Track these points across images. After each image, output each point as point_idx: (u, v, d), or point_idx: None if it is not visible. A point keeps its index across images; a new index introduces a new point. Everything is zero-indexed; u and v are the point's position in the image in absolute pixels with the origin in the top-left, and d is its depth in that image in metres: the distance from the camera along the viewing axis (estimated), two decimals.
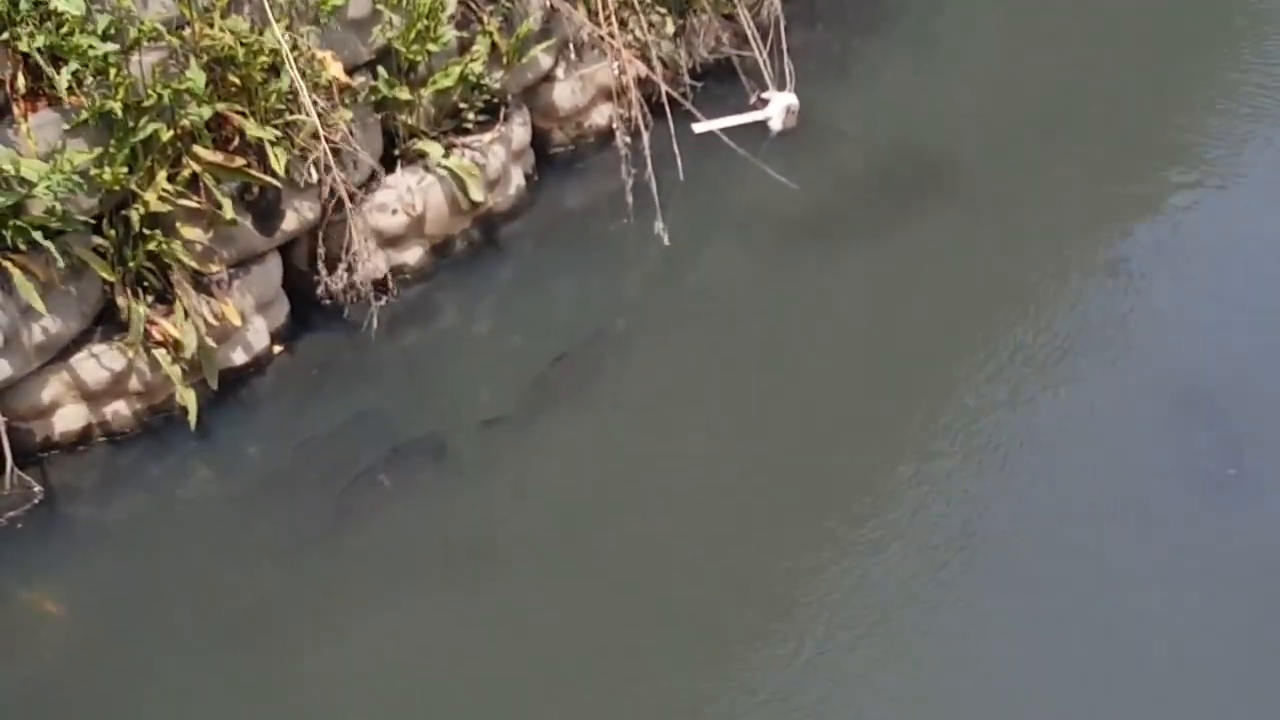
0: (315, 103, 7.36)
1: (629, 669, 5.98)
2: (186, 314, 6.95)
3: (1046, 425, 7.04)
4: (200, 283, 7.13)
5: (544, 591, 6.29)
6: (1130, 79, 10.10)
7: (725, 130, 8.86)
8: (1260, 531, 6.48)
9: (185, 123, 6.87)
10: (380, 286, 7.90)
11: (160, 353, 6.90)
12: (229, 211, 7.03)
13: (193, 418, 6.98)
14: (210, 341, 7.09)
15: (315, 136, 7.38)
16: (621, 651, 6.05)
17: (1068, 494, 6.67)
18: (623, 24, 9.01)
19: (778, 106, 9.26)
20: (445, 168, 8.01)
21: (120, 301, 6.90)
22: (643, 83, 8.91)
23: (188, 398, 6.97)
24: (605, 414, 7.24)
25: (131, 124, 6.69)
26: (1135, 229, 8.53)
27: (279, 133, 7.24)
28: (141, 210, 6.80)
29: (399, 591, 6.32)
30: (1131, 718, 5.78)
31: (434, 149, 8.03)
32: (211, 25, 6.99)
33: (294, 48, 7.30)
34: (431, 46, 8.03)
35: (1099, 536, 6.48)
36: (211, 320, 7.11)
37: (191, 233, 7.00)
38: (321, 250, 7.76)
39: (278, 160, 7.19)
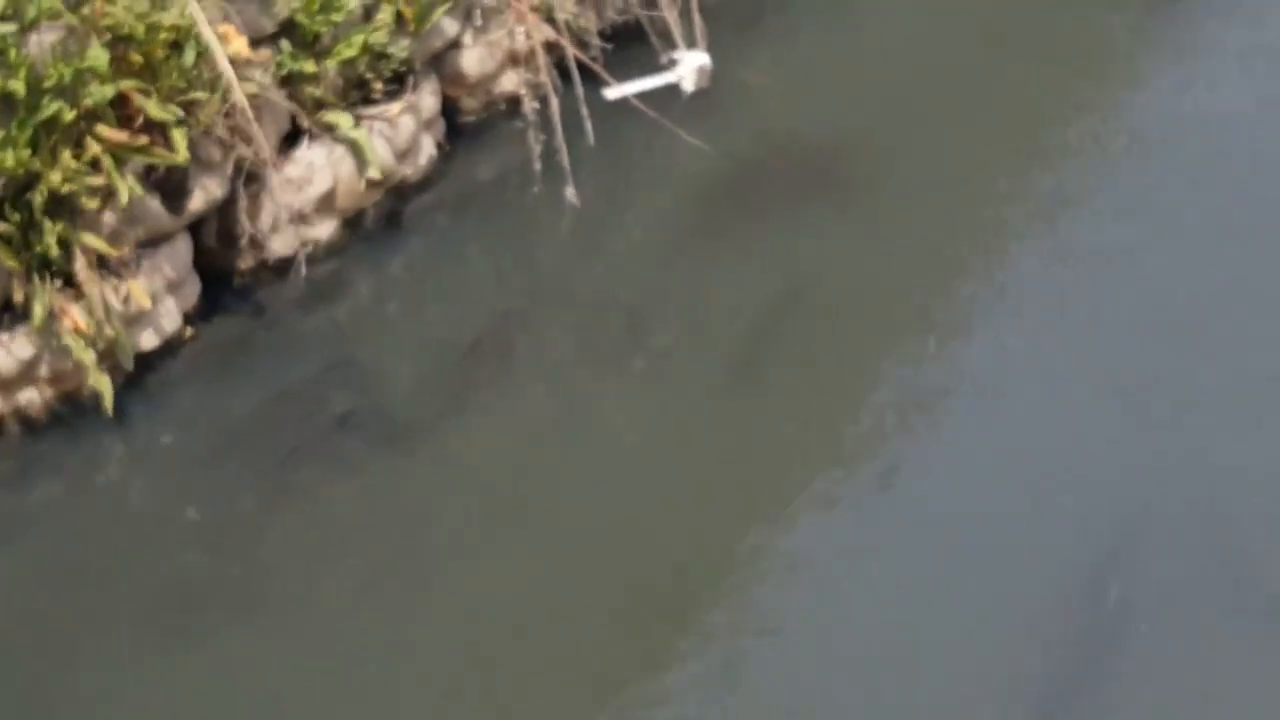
0: (221, 77, 7.25)
1: (580, 647, 5.96)
2: (92, 299, 6.82)
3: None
4: (108, 265, 6.99)
5: (482, 569, 6.25)
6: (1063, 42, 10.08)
7: (639, 94, 8.81)
8: None
9: (88, 102, 6.73)
10: (291, 263, 7.81)
11: (71, 339, 6.76)
12: (125, 194, 6.86)
13: (108, 404, 6.85)
14: (120, 325, 6.96)
15: (223, 113, 7.27)
16: (572, 628, 6.03)
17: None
18: None
19: (689, 66, 9.19)
20: (350, 140, 7.89)
21: (23, 290, 6.75)
22: (551, 47, 8.83)
23: (101, 384, 6.83)
24: (524, 394, 7.19)
25: (33, 105, 6.55)
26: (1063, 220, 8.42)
27: (182, 111, 7.10)
28: (44, 193, 6.66)
29: (329, 575, 6.26)
30: None
31: (344, 120, 7.91)
32: (112, 2, 6.84)
33: (194, 23, 7.18)
34: (335, 16, 7.89)
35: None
36: (120, 303, 6.99)
37: (96, 214, 6.85)
38: (230, 227, 7.66)
39: (179, 141, 7.05)
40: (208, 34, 7.14)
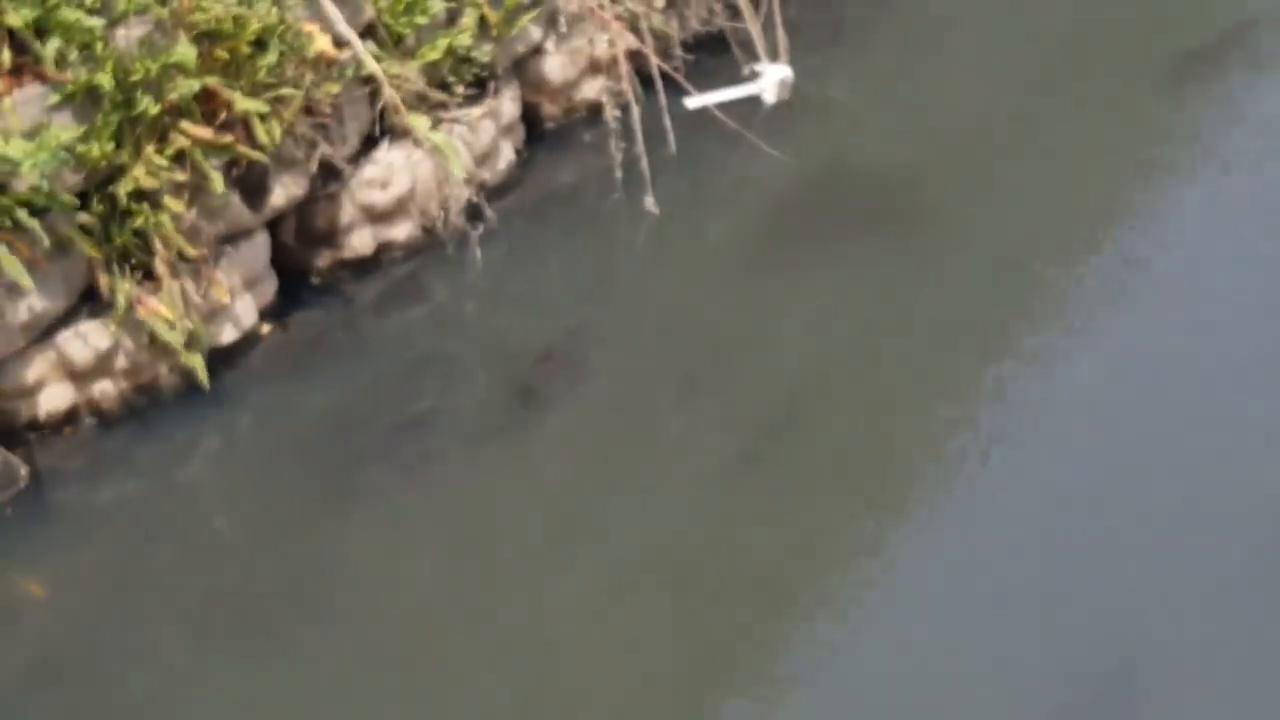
0: (304, 77, 7.27)
1: (642, 654, 5.95)
2: (171, 292, 6.84)
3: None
4: (187, 259, 7.00)
5: (546, 577, 6.24)
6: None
7: (719, 104, 8.78)
8: None
9: (173, 97, 6.74)
10: (369, 263, 7.83)
11: (158, 322, 6.78)
12: (219, 185, 6.90)
13: (203, 378, 6.91)
14: (197, 319, 6.98)
15: (305, 110, 7.28)
16: (630, 637, 6.02)
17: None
18: None
19: (771, 79, 9.16)
20: (431, 142, 7.88)
21: (102, 281, 6.78)
22: (634, 55, 8.81)
23: (194, 361, 6.89)
24: (591, 411, 7.15)
25: (119, 99, 6.57)
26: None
27: (268, 106, 7.10)
28: (129, 186, 6.67)
29: (395, 577, 6.26)
30: None
31: (420, 122, 7.90)
32: None
33: (280, 21, 7.20)
34: (419, 19, 7.91)
35: None
36: (198, 298, 7.00)
37: (178, 208, 6.86)
38: (309, 226, 7.70)
39: (269, 134, 7.07)
40: (345, 30, 7.36)
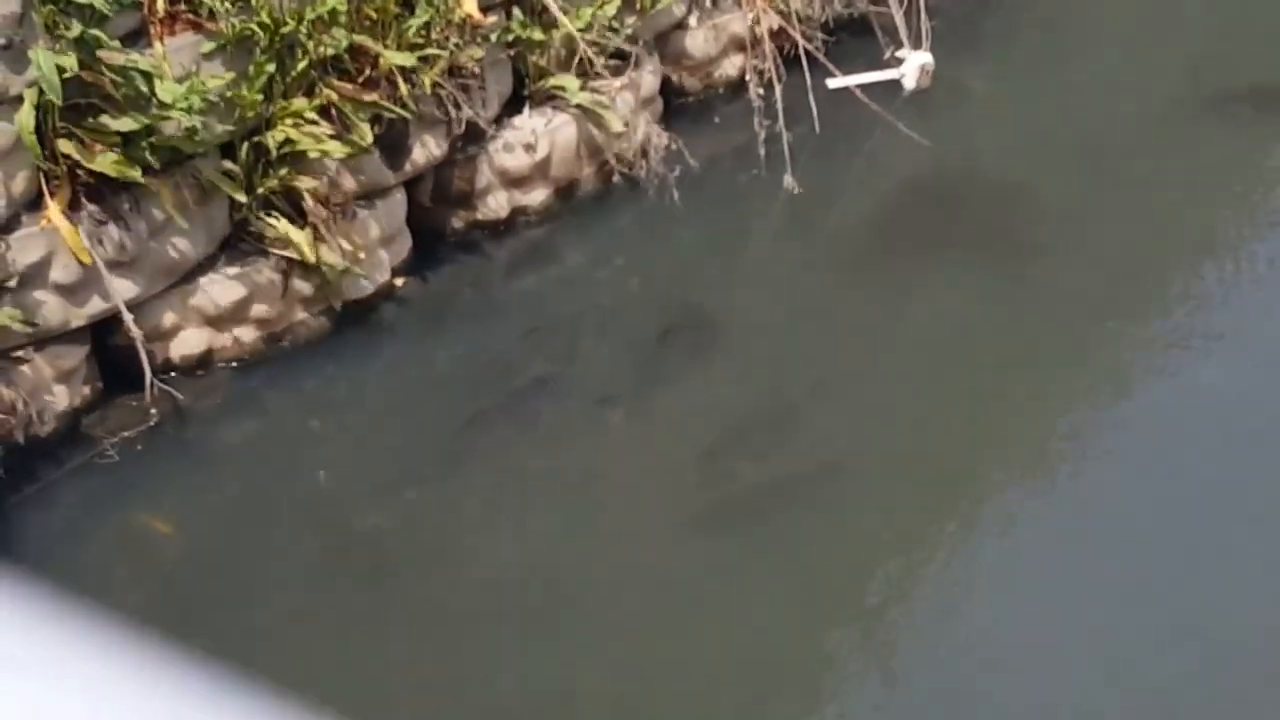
0: (449, 40, 7.36)
1: (758, 618, 5.94)
2: (322, 238, 6.98)
3: None
4: (328, 212, 7.12)
5: (657, 542, 6.27)
6: None
7: (859, 86, 8.76)
8: None
9: (322, 51, 6.86)
10: (502, 226, 7.92)
11: (325, 251, 6.97)
12: (367, 136, 7.02)
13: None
14: (335, 270, 7.10)
15: (449, 72, 7.37)
16: (748, 603, 6.01)
17: None
18: None
19: (913, 65, 9.12)
20: (580, 105, 7.95)
21: (255, 226, 6.92)
22: (775, 35, 8.81)
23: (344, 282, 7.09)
24: (708, 390, 7.10)
25: (270, 49, 6.69)
26: None
27: (415, 61, 7.20)
28: (277, 137, 6.80)
29: (514, 529, 6.33)
30: None
31: (570, 82, 7.97)
32: None
33: None
34: None
35: None
36: (337, 250, 7.12)
37: (323, 160, 6.97)
38: (446, 187, 7.80)
39: (423, 84, 7.19)
40: None
